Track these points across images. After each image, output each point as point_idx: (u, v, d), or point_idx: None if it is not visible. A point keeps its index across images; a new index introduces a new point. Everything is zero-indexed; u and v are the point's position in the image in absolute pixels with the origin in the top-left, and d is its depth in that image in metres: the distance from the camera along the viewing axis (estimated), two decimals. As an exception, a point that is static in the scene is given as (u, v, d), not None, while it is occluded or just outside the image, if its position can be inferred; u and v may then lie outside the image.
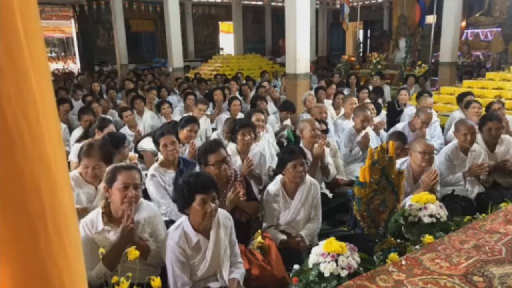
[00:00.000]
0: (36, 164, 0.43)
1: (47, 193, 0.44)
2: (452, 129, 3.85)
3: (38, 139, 0.42)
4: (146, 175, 3.19)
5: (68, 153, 3.83)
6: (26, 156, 0.42)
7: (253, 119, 4.02)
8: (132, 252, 1.81)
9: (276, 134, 4.83)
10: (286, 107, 5.41)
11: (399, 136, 3.64)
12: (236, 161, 3.37)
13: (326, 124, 4.10)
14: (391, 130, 4.59)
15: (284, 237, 2.71)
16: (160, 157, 3.22)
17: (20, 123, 0.41)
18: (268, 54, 17.91)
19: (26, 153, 0.42)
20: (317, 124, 3.64)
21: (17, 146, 0.41)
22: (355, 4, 13.67)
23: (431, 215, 2.35)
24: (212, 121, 5.46)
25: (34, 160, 0.42)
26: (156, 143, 3.21)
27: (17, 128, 0.40)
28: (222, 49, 17.77)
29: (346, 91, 7.49)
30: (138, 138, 4.41)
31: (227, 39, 17.89)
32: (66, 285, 0.47)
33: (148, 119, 5.60)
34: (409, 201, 2.49)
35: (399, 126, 4.66)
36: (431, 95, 5.62)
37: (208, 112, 5.74)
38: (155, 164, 3.15)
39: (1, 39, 0.39)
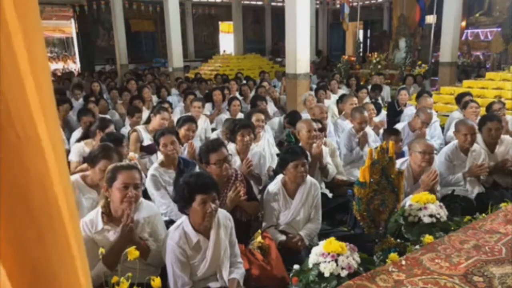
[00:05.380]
0: (34, 165, 0.42)
1: (50, 194, 0.43)
2: (452, 129, 3.85)
3: (37, 140, 0.42)
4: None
5: (67, 152, 3.85)
6: (25, 158, 0.42)
7: (253, 119, 4.02)
8: (132, 252, 1.81)
9: (281, 142, 4.76)
10: (291, 121, 4.55)
11: (393, 132, 3.89)
12: (236, 162, 3.37)
13: (321, 123, 4.08)
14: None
15: (283, 238, 2.70)
16: (160, 157, 3.22)
17: (16, 124, 0.40)
18: (268, 54, 17.90)
19: (24, 154, 0.41)
20: (314, 124, 3.64)
21: (15, 147, 0.41)
22: (355, 4, 13.67)
23: (431, 215, 2.35)
24: (211, 121, 5.46)
25: (32, 162, 0.42)
26: (157, 142, 3.22)
27: (12, 128, 0.40)
28: (224, 51, 17.66)
29: (346, 91, 7.51)
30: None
31: (227, 39, 17.88)
32: (72, 283, 0.47)
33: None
34: (409, 201, 2.49)
35: (399, 126, 4.66)
36: (431, 95, 5.63)
37: (208, 113, 5.74)
38: (155, 164, 3.15)
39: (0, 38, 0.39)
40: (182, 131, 3.75)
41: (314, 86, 7.46)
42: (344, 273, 1.87)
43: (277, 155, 3.84)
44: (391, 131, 3.97)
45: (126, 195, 2.14)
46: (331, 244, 1.95)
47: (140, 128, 4.21)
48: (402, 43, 11.48)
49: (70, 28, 16.23)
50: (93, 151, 2.77)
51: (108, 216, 2.19)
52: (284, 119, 5.13)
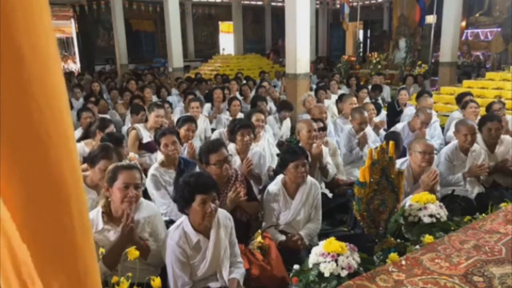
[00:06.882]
0: (62, 156, 0.44)
1: (71, 183, 0.45)
2: (452, 129, 3.84)
3: (64, 133, 0.44)
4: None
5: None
6: (54, 149, 0.43)
7: (253, 119, 4.02)
8: (132, 252, 1.81)
9: (281, 142, 4.84)
10: (283, 107, 5.36)
11: (392, 138, 3.66)
12: (236, 162, 3.37)
13: (323, 122, 4.09)
14: (391, 130, 4.58)
15: (283, 238, 2.70)
16: (160, 156, 3.23)
17: (46, 117, 0.42)
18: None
19: (54, 147, 0.43)
20: (314, 125, 3.63)
21: (46, 141, 0.42)
22: (355, 4, 13.67)
23: (431, 215, 2.35)
24: (211, 121, 5.46)
25: (61, 153, 0.44)
26: (158, 142, 3.22)
27: (44, 123, 0.42)
28: (223, 49, 17.71)
29: (346, 91, 7.51)
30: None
31: (227, 39, 17.88)
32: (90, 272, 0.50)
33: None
34: (409, 201, 2.49)
35: (399, 126, 4.65)
36: (431, 95, 5.63)
37: (206, 113, 5.74)
38: (156, 164, 3.16)
39: (23, 36, 0.40)
40: (182, 131, 3.76)
41: (314, 86, 7.46)
42: (344, 273, 1.87)
43: (277, 155, 3.84)
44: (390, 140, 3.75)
45: (127, 195, 2.14)
46: (331, 244, 1.95)
47: (139, 126, 4.22)
48: (402, 43, 11.48)
49: (70, 28, 16.20)
50: (93, 151, 2.78)
51: (109, 216, 2.19)
52: (278, 113, 5.31)
